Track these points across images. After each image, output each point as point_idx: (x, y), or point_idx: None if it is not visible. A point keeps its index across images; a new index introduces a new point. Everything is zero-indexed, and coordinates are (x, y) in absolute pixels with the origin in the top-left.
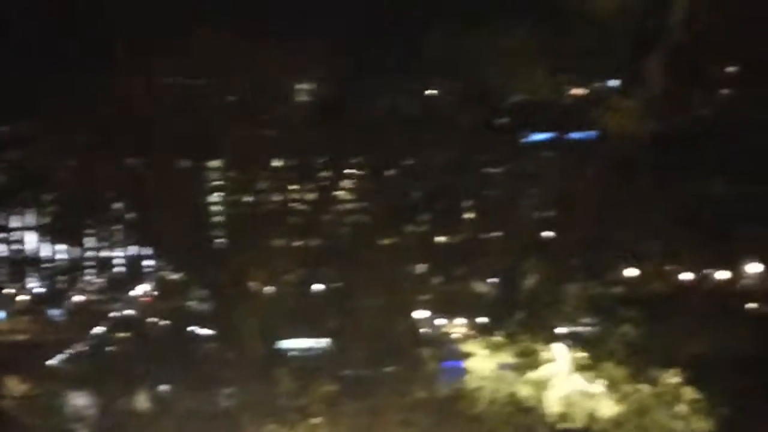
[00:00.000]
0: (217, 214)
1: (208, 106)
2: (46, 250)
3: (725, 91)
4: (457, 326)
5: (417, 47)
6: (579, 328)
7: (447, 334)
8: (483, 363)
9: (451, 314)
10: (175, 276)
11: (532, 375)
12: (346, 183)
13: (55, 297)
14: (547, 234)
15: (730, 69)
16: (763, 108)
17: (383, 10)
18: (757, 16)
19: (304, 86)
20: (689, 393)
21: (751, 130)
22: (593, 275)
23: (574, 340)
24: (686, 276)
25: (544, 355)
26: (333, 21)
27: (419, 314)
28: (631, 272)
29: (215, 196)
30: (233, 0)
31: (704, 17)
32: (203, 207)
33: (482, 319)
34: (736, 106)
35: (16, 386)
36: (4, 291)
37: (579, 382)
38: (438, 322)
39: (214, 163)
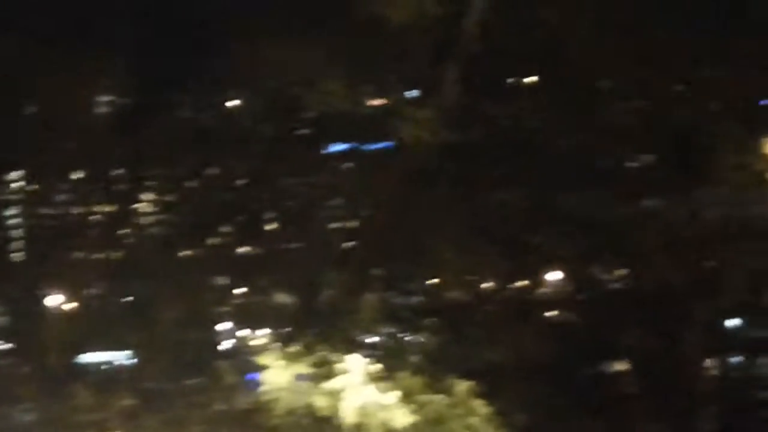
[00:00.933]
0: (14, 227)
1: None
2: None
3: (523, 101)
4: (260, 338)
5: (217, 58)
6: (378, 338)
7: (249, 345)
8: (280, 374)
9: (253, 326)
10: None
11: (327, 385)
12: (147, 195)
13: None
14: (348, 244)
15: (528, 78)
16: (560, 117)
17: (183, 21)
18: (555, 25)
19: (104, 98)
20: (482, 403)
21: (549, 140)
22: (393, 285)
23: (373, 350)
24: (486, 284)
25: (339, 365)
26: (132, 32)
27: (221, 326)
28: (430, 281)
29: (12, 209)
30: (31, 9)
31: (500, 26)
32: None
33: (283, 330)
34: (533, 115)
35: None
36: None
37: (374, 393)
38: (240, 333)
39: (11, 176)
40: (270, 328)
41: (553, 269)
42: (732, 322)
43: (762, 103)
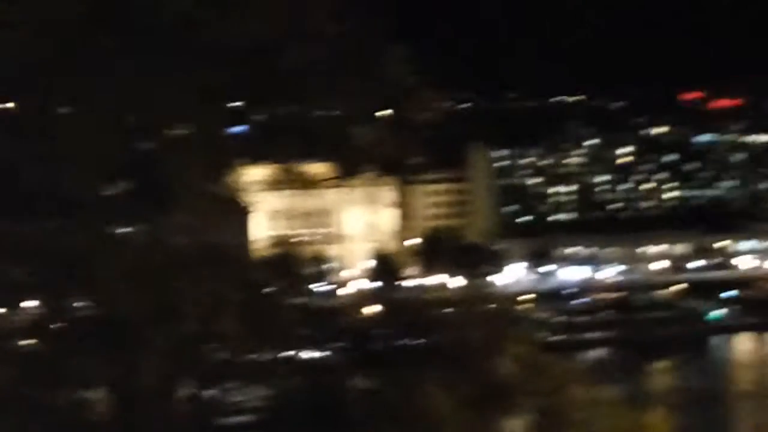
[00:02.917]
0: None
1: None
2: None
3: None
4: None
5: None
6: None
7: None
8: None
9: None
10: None
11: None
12: None
13: None
14: None
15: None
16: (26, 145)
17: None
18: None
19: None
20: None
21: (14, 168)
22: None
23: None
24: None
25: None
26: None
27: None
28: None
29: None
30: None
31: None
32: None
33: None
34: None
35: None
36: None
37: None
38: None
39: None
40: None
41: (17, 298)
42: (194, 349)
43: (229, 131)
